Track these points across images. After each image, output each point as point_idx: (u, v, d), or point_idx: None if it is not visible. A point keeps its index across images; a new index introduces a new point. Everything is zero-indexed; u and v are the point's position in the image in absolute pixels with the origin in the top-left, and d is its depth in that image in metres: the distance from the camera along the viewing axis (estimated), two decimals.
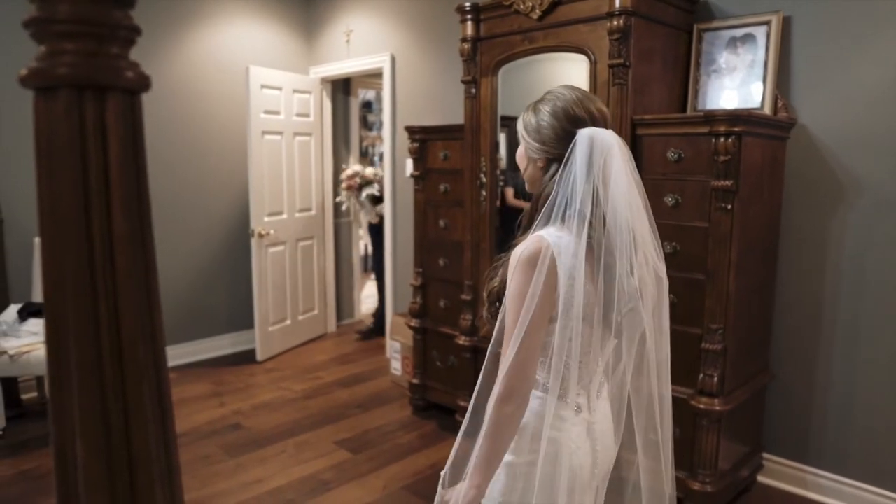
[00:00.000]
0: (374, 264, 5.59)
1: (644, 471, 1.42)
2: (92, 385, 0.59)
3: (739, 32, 2.86)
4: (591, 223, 1.26)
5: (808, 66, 2.74)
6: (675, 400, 1.53)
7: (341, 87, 5.57)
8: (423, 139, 3.67)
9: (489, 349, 1.33)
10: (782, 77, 2.80)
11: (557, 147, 1.32)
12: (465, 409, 1.32)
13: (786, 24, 2.77)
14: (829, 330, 2.78)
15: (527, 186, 1.45)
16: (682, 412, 2.46)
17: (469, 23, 3.14)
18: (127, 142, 0.58)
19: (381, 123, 5.83)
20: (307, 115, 5.09)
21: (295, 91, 4.93)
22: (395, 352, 4.30)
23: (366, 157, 7.77)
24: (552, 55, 2.89)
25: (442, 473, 1.37)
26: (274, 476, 3.06)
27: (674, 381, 1.48)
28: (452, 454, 1.35)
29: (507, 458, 1.34)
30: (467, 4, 3.13)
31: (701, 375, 2.51)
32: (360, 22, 4.79)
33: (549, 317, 1.27)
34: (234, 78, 4.74)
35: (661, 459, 1.41)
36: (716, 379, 2.48)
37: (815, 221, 2.78)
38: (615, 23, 2.54)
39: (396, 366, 4.31)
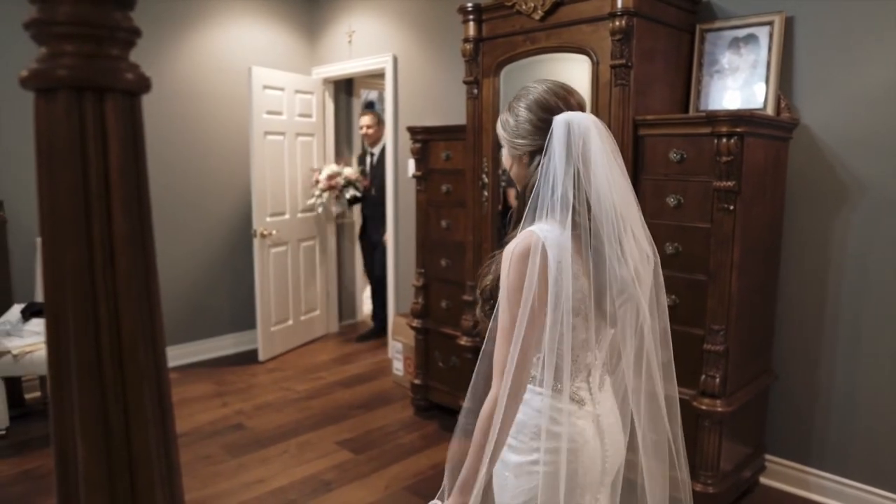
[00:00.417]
0: (367, 268, 5.48)
1: (646, 471, 1.41)
2: (92, 386, 0.59)
3: (742, 33, 2.86)
4: (574, 207, 1.26)
5: (811, 67, 2.74)
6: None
7: (343, 88, 5.57)
8: (425, 140, 3.67)
9: (483, 348, 1.33)
10: (785, 77, 2.79)
11: (537, 138, 1.32)
12: (471, 410, 1.32)
13: (788, 24, 2.77)
14: (832, 330, 2.77)
15: (517, 186, 1.45)
16: (684, 413, 2.42)
17: (471, 23, 3.14)
18: (127, 143, 0.58)
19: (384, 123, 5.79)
20: (309, 116, 5.10)
21: (297, 91, 4.94)
22: (397, 352, 4.30)
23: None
24: (554, 56, 2.89)
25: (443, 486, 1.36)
26: (276, 476, 3.06)
27: (677, 382, 1.47)
28: (449, 464, 1.35)
29: (515, 458, 1.33)
30: (469, 5, 3.13)
31: (703, 376, 2.50)
32: (362, 22, 4.79)
33: (543, 312, 1.26)
34: (236, 78, 4.75)
35: (675, 464, 1.41)
36: (718, 380, 2.47)
37: (818, 222, 2.78)
38: (617, 23, 2.54)
39: (398, 366, 4.31)
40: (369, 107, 8.65)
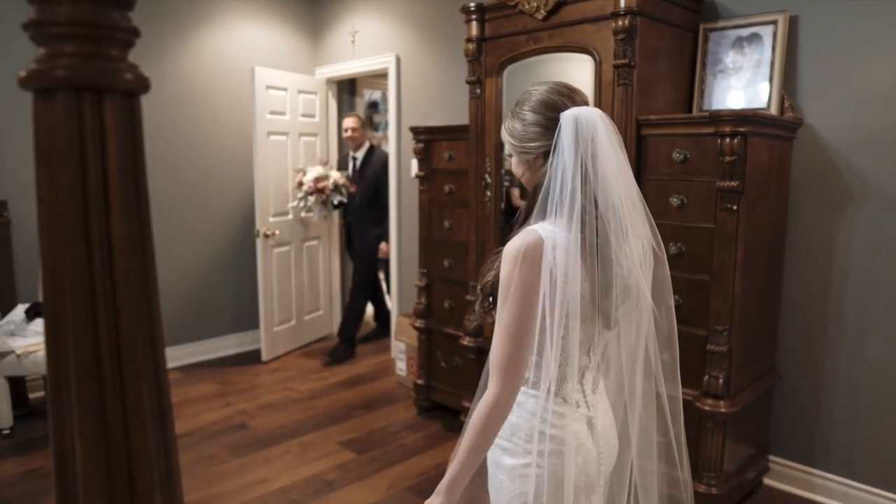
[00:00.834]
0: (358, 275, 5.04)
1: (645, 471, 1.41)
2: (91, 385, 0.59)
3: (746, 32, 2.85)
4: (582, 204, 1.24)
5: (815, 66, 2.73)
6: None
7: (347, 88, 5.57)
8: (428, 140, 3.67)
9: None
10: (789, 77, 2.78)
11: (546, 138, 1.30)
12: (470, 409, 1.32)
13: (792, 23, 2.76)
14: (836, 331, 2.76)
15: (529, 190, 1.44)
16: (687, 414, 2.42)
17: (474, 23, 3.13)
18: (126, 143, 0.58)
19: (387, 124, 5.77)
20: (313, 116, 5.10)
21: (300, 92, 4.94)
22: (400, 352, 4.30)
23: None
24: (557, 55, 2.88)
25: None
26: (278, 476, 3.06)
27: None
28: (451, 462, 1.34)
29: (510, 461, 1.32)
30: (472, 5, 3.12)
31: (706, 377, 2.50)
32: (365, 22, 4.79)
33: (541, 312, 1.24)
34: (239, 79, 4.75)
35: (678, 464, 1.40)
36: (721, 381, 2.47)
37: (822, 222, 2.77)
38: (620, 23, 2.53)
39: (401, 366, 4.31)
40: (373, 107, 8.66)
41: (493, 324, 1.29)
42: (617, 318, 1.30)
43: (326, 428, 3.62)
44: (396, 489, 2.95)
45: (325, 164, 4.86)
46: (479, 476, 1.35)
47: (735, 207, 2.40)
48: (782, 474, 2.93)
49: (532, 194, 1.35)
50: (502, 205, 3.25)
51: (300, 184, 4.68)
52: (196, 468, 3.12)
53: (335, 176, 4.70)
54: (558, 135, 1.27)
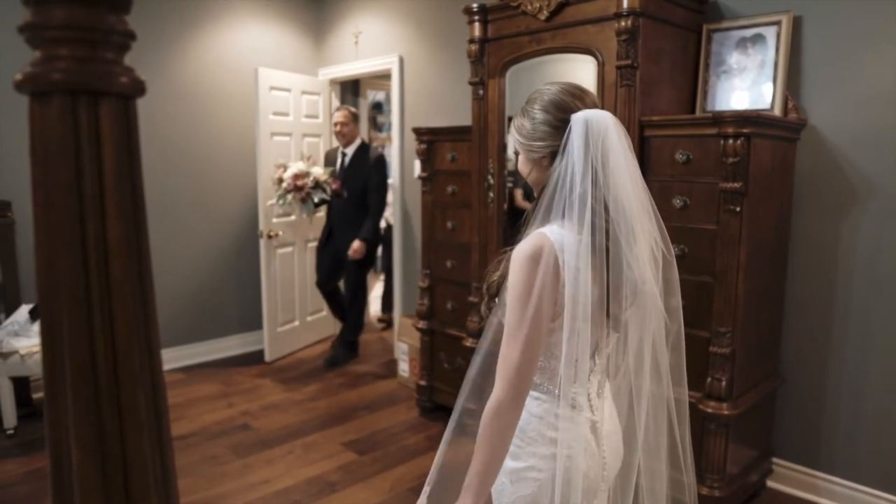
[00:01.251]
0: (322, 280, 4.79)
1: (649, 473, 1.40)
2: (86, 389, 0.59)
3: (749, 32, 2.84)
4: (593, 208, 1.23)
5: (819, 67, 2.72)
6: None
7: (350, 89, 5.58)
8: (431, 140, 3.66)
9: (485, 348, 1.31)
10: (793, 78, 2.77)
11: (554, 139, 1.30)
12: (472, 411, 1.31)
13: (796, 23, 2.75)
14: (841, 333, 2.75)
15: (534, 190, 1.43)
16: (690, 416, 2.43)
17: (476, 24, 3.13)
18: (121, 147, 0.58)
19: (390, 124, 5.75)
20: (316, 117, 5.10)
21: (304, 92, 4.95)
22: (403, 353, 4.30)
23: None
24: (560, 56, 2.88)
25: (425, 489, 1.35)
26: (281, 477, 3.06)
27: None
28: (437, 464, 1.33)
29: (512, 463, 1.32)
30: (475, 5, 3.12)
31: (709, 379, 2.49)
32: (368, 23, 4.80)
33: (550, 316, 1.24)
34: (243, 79, 4.76)
35: (682, 467, 1.39)
36: (724, 383, 2.46)
37: (826, 223, 2.75)
38: (623, 23, 2.53)
39: (404, 367, 4.31)
40: (377, 108, 8.67)
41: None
42: (625, 321, 1.30)
43: (329, 429, 3.63)
44: (398, 490, 2.95)
45: (308, 158, 4.59)
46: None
47: (738, 209, 2.39)
48: (786, 477, 2.91)
49: (539, 194, 1.35)
50: (505, 206, 3.25)
51: (280, 180, 4.41)
52: (199, 468, 3.13)
53: (317, 172, 4.42)
54: (568, 136, 1.26)
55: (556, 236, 1.24)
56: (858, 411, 2.72)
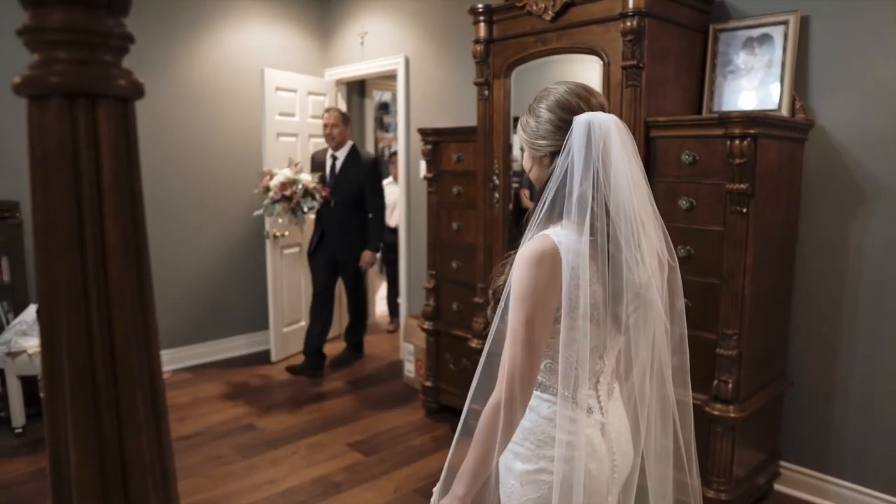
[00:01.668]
0: (318, 290, 4.60)
1: (655, 476, 1.39)
2: (85, 392, 0.59)
3: (756, 32, 2.82)
4: (593, 210, 1.23)
5: (827, 67, 2.70)
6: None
7: (356, 89, 5.58)
8: (436, 141, 3.66)
9: (488, 348, 1.31)
10: (800, 78, 2.75)
11: (557, 139, 1.30)
12: (477, 412, 1.31)
13: (804, 23, 2.73)
14: (849, 335, 2.72)
15: (536, 187, 1.44)
16: (696, 418, 2.39)
17: (482, 24, 3.13)
18: (120, 149, 0.58)
19: (397, 125, 5.74)
20: (322, 118, 5.10)
21: (310, 93, 4.95)
22: (409, 354, 4.30)
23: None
24: (565, 57, 2.87)
25: (434, 490, 1.36)
26: (286, 477, 3.07)
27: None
28: (446, 467, 1.34)
29: (521, 466, 1.32)
30: (480, 6, 3.12)
31: (715, 381, 2.47)
32: (374, 24, 4.80)
33: (554, 317, 1.25)
34: (249, 80, 4.78)
35: (686, 469, 1.39)
36: (730, 385, 2.44)
37: (834, 224, 2.73)
38: (628, 24, 2.52)
39: (409, 368, 4.31)
40: (383, 108, 8.67)
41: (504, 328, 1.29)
42: (628, 324, 1.30)
43: (334, 429, 3.63)
44: (404, 491, 2.95)
45: (296, 165, 4.26)
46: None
47: (745, 210, 2.38)
48: (794, 480, 2.89)
49: (539, 195, 1.35)
50: (510, 206, 3.24)
51: (266, 189, 4.14)
52: (204, 468, 3.13)
53: (305, 179, 4.16)
54: (569, 138, 1.27)
55: (559, 238, 1.24)
56: (868, 414, 2.70)
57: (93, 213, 0.57)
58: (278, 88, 4.63)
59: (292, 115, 4.79)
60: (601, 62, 2.67)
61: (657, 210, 1.33)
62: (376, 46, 4.80)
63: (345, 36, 5.08)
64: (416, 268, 4.62)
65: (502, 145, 3.17)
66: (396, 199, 5.14)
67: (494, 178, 3.21)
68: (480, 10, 3.11)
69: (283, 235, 4.71)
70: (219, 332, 4.89)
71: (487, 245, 3.30)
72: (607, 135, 1.24)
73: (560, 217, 1.27)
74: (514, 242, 1.33)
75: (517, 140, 3.24)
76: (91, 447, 0.60)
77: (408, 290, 4.75)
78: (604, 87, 2.66)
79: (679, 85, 2.83)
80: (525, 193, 3.37)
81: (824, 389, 2.81)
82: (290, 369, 4.54)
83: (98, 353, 0.59)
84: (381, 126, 8.65)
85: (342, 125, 4.35)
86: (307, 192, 4.14)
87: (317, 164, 4.49)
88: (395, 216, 5.32)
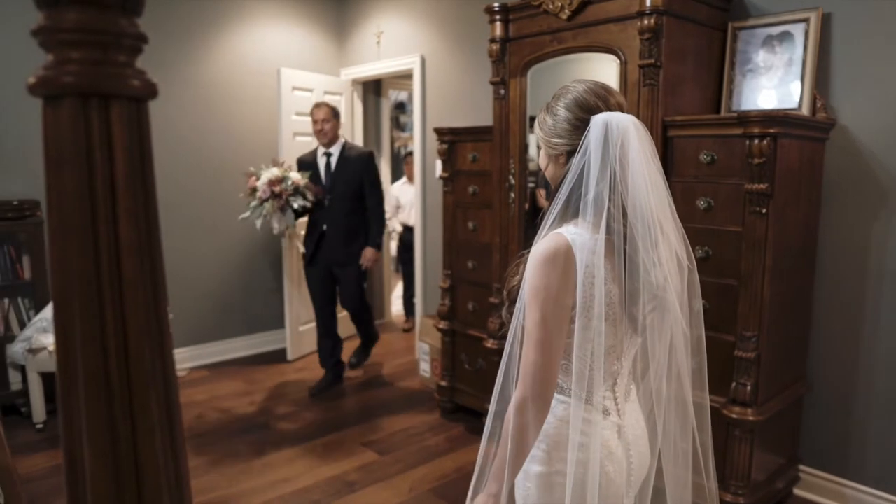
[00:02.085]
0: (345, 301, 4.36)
1: (672, 479, 1.38)
2: (99, 392, 0.59)
3: (776, 30, 2.78)
4: (609, 210, 1.22)
5: (849, 65, 2.65)
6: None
7: (372, 89, 5.60)
8: (452, 141, 3.66)
9: (507, 350, 1.31)
10: (821, 76, 2.70)
11: (574, 138, 1.29)
12: (498, 413, 1.30)
13: (825, 21, 2.68)
14: (871, 338, 2.67)
15: (551, 185, 1.42)
16: (714, 421, 2.38)
17: (498, 23, 3.11)
18: (133, 150, 0.58)
19: (412, 124, 5.73)
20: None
21: (326, 93, 4.97)
22: (424, 354, 4.30)
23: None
24: (582, 55, 2.85)
25: (471, 489, 1.35)
26: (301, 476, 3.08)
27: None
28: (478, 466, 1.33)
29: (537, 468, 1.31)
30: (496, 5, 3.10)
31: (734, 384, 2.44)
32: (390, 23, 4.81)
33: (569, 317, 1.23)
34: (265, 80, 4.80)
35: (703, 473, 1.37)
36: (749, 388, 2.41)
37: (856, 225, 2.68)
38: (646, 22, 2.49)
39: (425, 367, 4.30)
40: (399, 108, 8.69)
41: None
42: (644, 325, 1.28)
43: (349, 428, 3.64)
44: (418, 491, 2.95)
45: (282, 164, 4.07)
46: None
47: (764, 210, 2.34)
48: (814, 485, 2.85)
49: (554, 193, 1.34)
50: (526, 206, 3.23)
51: (252, 189, 3.95)
52: (220, 466, 3.16)
53: (295, 177, 3.96)
54: (586, 137, 1.26)
55: (572, 236, 1.23)
56: (890, 418, 2.65)
57: (107, 212, 0.57)
58: (295, 88, 4.65)
59: (309, 114, 4.80)
60: (618, 61, 2.65)
61: (675, 212, 1.32)
62: (392, 46, 4.80)
63: (361, 35, 5.09)
64: (432, 267, 4.62)
65: (518, 145, 3.15)
66: (412, 199, 5.13)
67: (510, 177, 3.20)
68: (496, 9, 3.10)
69: (299, 234, 4.71)
70: (235, 330, 4.92)
71: (503, 245, 3.28)
72: (625, 135, 1.23)
73: (575, 216, 1.26)
74: (529, 242, 1.32)
75: (533, 139, 3.23)
76: (105, 447, 0.60)
77: (423, 290, 4.75)
78: (621, 86, 2.64)
79: (697, 84, 2.79)
80: (541, 193, 3.36)
81: (845, 392, 2.76)
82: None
83: (112, 353, 0.59)
84: (398, 125, 8.66)
85: (334, 120, 4.09)
86: (297, 191, 3.94)
87: (305, 165, 4.19)
88: (411, 216, 5.31)
